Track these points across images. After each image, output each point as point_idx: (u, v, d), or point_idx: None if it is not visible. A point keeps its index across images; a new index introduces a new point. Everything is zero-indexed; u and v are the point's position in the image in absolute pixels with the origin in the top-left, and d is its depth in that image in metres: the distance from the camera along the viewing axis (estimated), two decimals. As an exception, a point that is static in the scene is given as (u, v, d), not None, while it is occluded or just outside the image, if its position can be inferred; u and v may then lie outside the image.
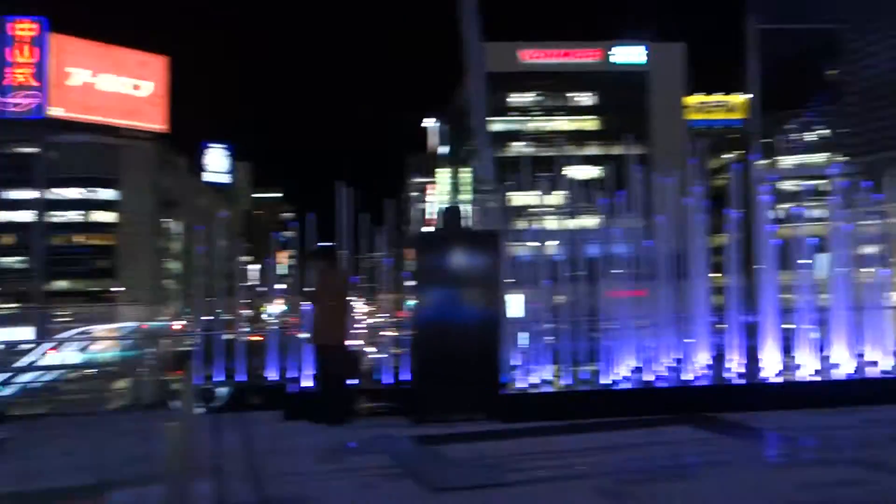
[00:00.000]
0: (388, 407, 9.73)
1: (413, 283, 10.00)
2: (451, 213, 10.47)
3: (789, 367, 10.85)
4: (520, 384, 9.88)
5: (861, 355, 11.35)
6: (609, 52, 66.57)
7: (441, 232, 10.60)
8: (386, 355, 10.68)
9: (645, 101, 64.29)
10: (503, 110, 67.15)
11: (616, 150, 55.28)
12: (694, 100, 75.06)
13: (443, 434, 8.60)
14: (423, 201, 74.99)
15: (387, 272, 11.87)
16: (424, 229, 16.02)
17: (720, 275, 11.70)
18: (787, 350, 11.28)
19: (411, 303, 10.43)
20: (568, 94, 68.45)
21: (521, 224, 12.98)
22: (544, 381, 10.09)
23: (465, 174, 67.01)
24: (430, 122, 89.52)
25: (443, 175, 77.53)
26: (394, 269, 12.24)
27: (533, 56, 66.64)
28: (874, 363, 11.07)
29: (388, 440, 8.45)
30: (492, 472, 7.07)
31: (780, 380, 10.38)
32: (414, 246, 10.15)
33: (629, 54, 66.40)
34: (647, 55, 65.94)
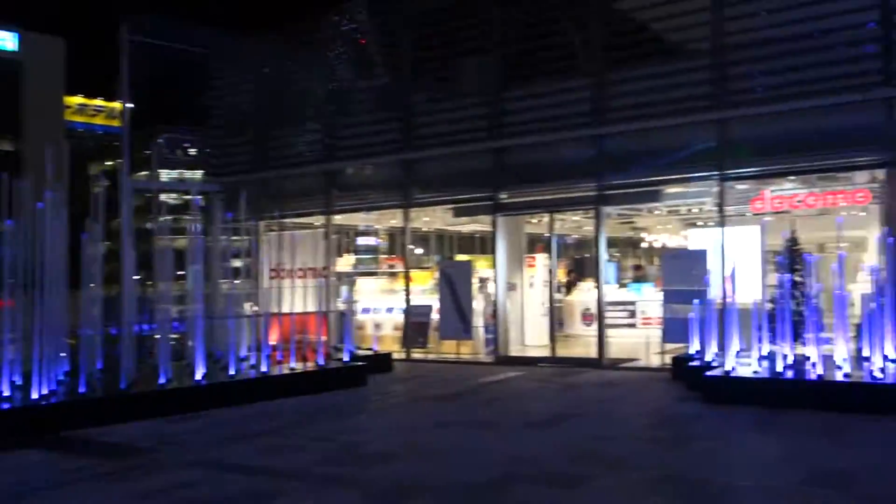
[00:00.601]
0: None
1: None
2: None
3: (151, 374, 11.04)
4: None
5: (217, 360, 12.23)
6: (-28, 32, 58.47)
7: None
8: None
9: (16, 93, 58.33)
10: None
11: (-19, 144, 48.84)
12: (74, 101, 71.32)
13: None
14: None
15: None
16: None
17: (92, 285, 11.27)
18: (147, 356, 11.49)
19: None
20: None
21: None
22: None
23: None
24: None
25: None
26: None
27: None
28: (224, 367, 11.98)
29: None
30: None
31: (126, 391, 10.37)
32: None
33: (-3, 38, 59.39)
34: (20, 44, 59.97)
